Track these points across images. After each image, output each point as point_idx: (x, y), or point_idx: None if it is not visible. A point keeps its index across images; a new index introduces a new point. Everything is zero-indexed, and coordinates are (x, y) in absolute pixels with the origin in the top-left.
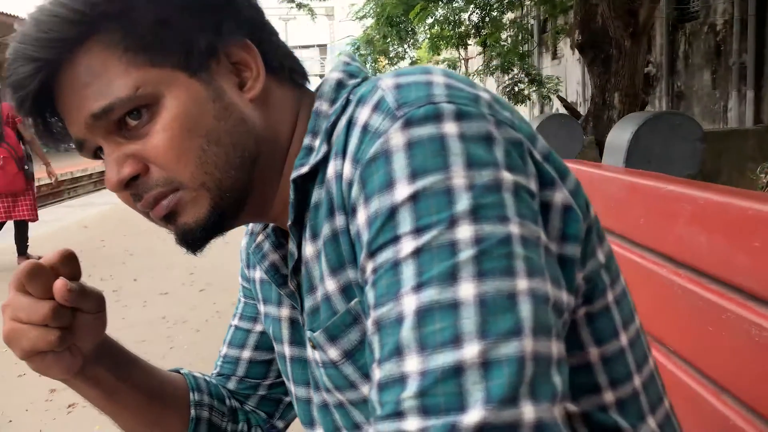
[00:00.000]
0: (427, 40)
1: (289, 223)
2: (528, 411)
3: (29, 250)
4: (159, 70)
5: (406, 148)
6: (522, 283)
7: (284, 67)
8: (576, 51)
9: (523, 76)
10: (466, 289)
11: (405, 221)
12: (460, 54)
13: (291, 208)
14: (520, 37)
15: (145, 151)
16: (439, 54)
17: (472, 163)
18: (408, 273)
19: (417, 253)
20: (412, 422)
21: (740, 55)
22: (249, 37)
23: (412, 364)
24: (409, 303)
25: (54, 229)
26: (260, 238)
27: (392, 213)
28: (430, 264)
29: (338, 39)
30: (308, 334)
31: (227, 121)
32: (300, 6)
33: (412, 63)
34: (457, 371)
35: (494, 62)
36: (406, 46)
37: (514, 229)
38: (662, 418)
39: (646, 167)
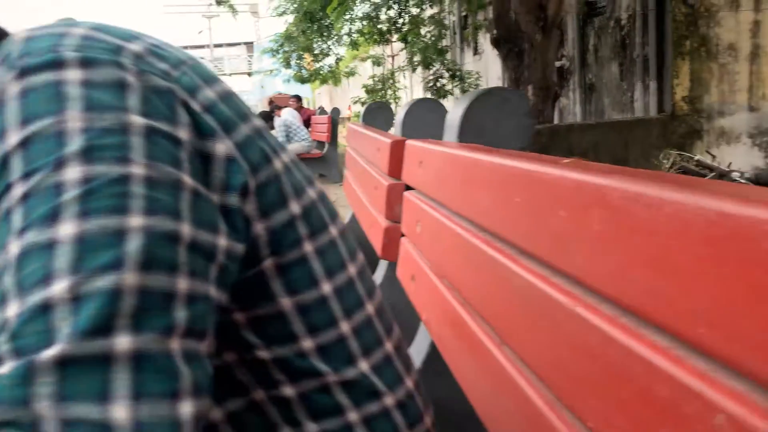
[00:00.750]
0: (346, 36)
1: None
2: (123, 342)
3: None
4: None
5: (19, 96)
6: (135, 221)
7: None
8: None
9: (444, 71)
10: (66, 228)
11: (16, 168)
12: (384, 50)
13: None
14: (439, 33)
15: None
16: (357, 50)
17: (92, 107)
18: (16, 219)
19: (25, 198)
20: (8, 365)
21: (643, 48)
22: None
23: (12, 308)
24: (14, 249)
25: None
26: None
27: (5, 161)
28: (34, 207)
29: (265, 36)
30: None
31: None
32: (220, 2)
33: (338, 60)
34: (45, 309)
35: (416, 58)
36: (330, 42)
37: (136, 170)
38: (380, 361)
39: (479, 142)
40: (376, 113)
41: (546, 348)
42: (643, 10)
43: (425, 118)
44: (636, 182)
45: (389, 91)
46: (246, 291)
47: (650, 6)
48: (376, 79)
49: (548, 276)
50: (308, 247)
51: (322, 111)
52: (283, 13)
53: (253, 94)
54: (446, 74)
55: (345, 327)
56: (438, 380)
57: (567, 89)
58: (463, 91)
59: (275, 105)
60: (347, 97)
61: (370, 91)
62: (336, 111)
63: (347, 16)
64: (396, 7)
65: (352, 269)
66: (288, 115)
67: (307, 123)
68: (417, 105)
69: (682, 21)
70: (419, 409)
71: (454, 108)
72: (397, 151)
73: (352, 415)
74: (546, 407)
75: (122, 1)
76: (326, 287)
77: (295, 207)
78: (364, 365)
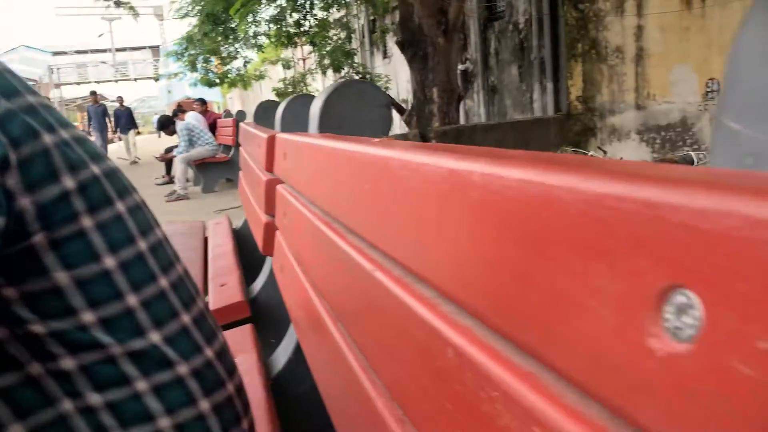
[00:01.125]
0: (252, 39)
1: None
2: None
3: None
4: None
5: None
6: None
7: None
8: None
9: (353, 74)
10: None
11: None
12: (294, 54)
13: None
14: (345, 36)
15: None
16: (263, 52)
17: None
18: None
19: None
20: None
21: (539, 51)
22: None
23: None
24: None
25: None
26: None
27: None
28: None
29: (171, 40)
30: None
31: None
32: (119, 4)
33: (246, 63)
34: None
35: (326, 61)
36: (237, 45)
37: None
38: (174, 333)
39: (338, 132)
40: (268, 112)
41: (361, 317)
42: (539, 14)
43: (304, 113)
44: (406, 151)
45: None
46: (15, 266)
47: (545, 10)
48: (287, 82)
49: (361, 247)
50: (87, 222)
51: (228, 114)
52: (186, 15)
53: (160, 99)
54: (356, 77)
55: (132, 300)
56: (305, 373)
57: (472, 91)
58: None
59: (179, 109)
60: (259, 101)
61: (280, 94)
62: (241, 114)
63: (251, 19)
64: (302, 10)
65: (142, 244)
66: (191, 119)
67: (213, 127)
68: (294, 101)
69: (574, 25)
70: (219, 377)
71: (315, 101)
72: (270, 145)
73: (141, 384)
74: (363, 374)
75: (7, 3)
76: (109, 261)
77: (69, 182)
78: (155, 336)
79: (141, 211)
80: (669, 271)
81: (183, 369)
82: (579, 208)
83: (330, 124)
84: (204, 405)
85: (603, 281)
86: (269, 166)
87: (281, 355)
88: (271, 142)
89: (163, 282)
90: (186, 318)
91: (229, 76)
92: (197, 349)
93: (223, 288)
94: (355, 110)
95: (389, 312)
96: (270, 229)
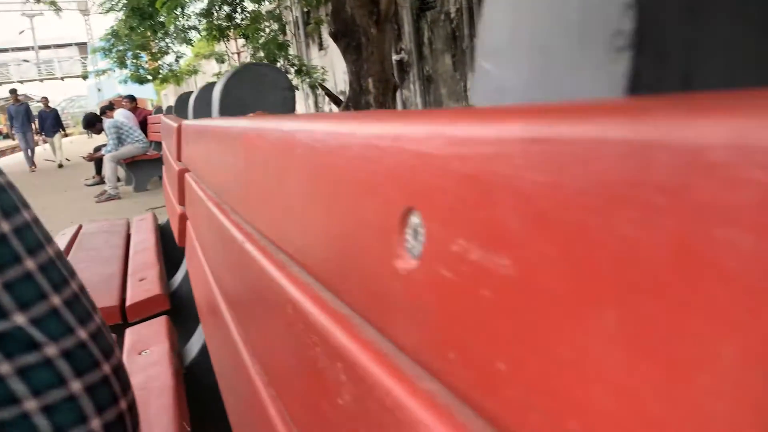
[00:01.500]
0: (182, 33)
1: None
2: None
3: None
4: None
5: None
6: None
7: None
8: None
9: (288, 66)
10: None
11: None
12: (227, 47)
13: None
14: (277, 28)
15: None
16: (193, 46)
17: None
18: None
19: None
20: None
21: (471, 40)
22: None
23: None
24: None
25: None
26: None
27: None
28: None
29: (98, 36)
30: None
31: None
32: None
33: (178, 58)
34: None
35: (260, 53)
36: (168, 40)
37: None
38: (42, 314)
39: (241, 115)
40: (187, 104)
41: (242, 297)
42: (469, 3)
43: (209, 101)
44: (260, 122)
45: None
46: None
47: (474, 0)
48: (221, 76)
49: (239, 223)
50: None
51: (158, 110)
52: (110, 9)
53: (90, 98)
54: (292, 70)
55: None
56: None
57: (408, 81)
58: (311, 86)
59: (107, 106)
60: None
61: None
62: (171, 109)
63: (180, 12)
64: (233, 2)
65: (5, 226)
66: (119, 116)
67: (144, 124)
68: (205, 89)
69: None
70: (94, 357)
71: (216, 86)
72: (179, 134)
73: (3, 367)
74: (245, 352)
75: None
76: None
77: None
78: (19, 318)
79: (6, 192)
80: (407, 196)
81: (52, 350)
82: (357, 151)
83: (230, 109)
84: (75, 386)
85: (370, 215)
86: (179, 155)
87: (195, 345)
88: (179, 130)
89: (30, 264)
90: (56, 300)
91: (161, 72)
92: (69, 331)
93: (142, 282)
94: (256, 94)
95: (260, 287)
96: (183, 220)
